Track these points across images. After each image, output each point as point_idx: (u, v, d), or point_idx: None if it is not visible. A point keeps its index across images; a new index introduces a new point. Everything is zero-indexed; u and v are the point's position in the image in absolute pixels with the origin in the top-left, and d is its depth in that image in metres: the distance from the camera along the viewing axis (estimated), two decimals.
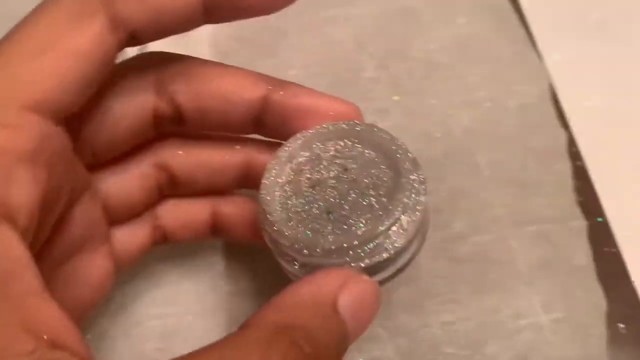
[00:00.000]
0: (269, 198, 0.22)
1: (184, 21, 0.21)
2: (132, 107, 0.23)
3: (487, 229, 0.30)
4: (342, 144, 0.24)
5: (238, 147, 0.26)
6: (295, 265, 0.22)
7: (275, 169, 0.23)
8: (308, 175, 0.23)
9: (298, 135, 0.24)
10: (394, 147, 0.23)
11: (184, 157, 0.25)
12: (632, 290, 0.29)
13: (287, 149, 0.23)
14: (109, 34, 0.20)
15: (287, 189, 0.23)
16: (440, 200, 0.31)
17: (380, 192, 0.22)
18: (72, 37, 0.19)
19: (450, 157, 0.32)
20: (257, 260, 0.30)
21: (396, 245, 0.21)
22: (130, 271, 0.29)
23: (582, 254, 0.30)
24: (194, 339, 0.29)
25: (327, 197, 0.23)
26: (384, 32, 0.37)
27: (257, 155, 0.26)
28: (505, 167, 0.32)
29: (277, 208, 0.22)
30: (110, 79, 0.22)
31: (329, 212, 0.22)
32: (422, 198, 0.22)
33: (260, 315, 0.19)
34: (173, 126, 0.24)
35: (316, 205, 0.23)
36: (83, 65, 0.19)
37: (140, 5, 0.20)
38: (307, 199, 0.23)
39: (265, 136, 0.26)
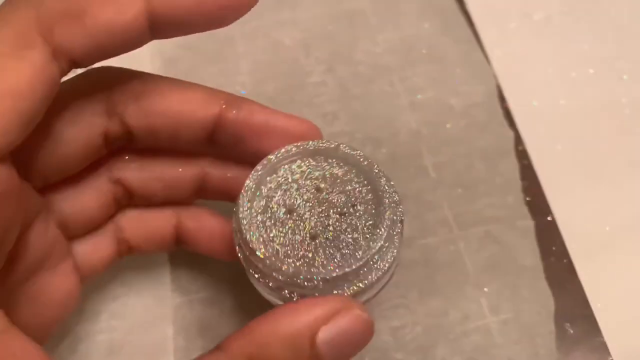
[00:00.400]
0: (250, 234, 0.22)
1: (129, 42, 0.20)
2: (81, 130, 0.22)
3: (434, 231, 0.30)
4: (307, 163, 0.23)
5: (191, 161, 0.25)
6: (293, 297, 0.21)
7: (247, 202, 0.22)
8: (281, 202, 0.23)
9: (263, 161, 0.23)
10: (362, 161, 0.23)
11: (138, 171, 0.25)
12: (580, 288, 0.29)
13: (254, 177, 0.23)
14: (50, 65, 0.19)
15: (265, 219, 0.22)
16: None
17: (359, 208, 0.22)
18: (9, 76, 0.18)
19: (397, 160, 0.32)
20: (205, 271, 0.30)
21: (389, 260, 0.21)
22: None
23: (529, 254, 0.30)
24: (142, 354, 0.28)
25: (306, 222, 0.22)
26: (330, 35, 0.37)
27: (211, 169, 0.25)
28: (452, 168, 0.32)
29: (261, 244, 0.22)
30: (57, 100, 0.21)
31: (313, 238, 0.22)
32: (401, 208, 0.22)
33: (234, 340, 0.19)
34: (123, 144, 0.24)
35: (299, 233, 0.22)
36: (24, 103, 0.18)
37: (81, 32, 0.19)
38: (287, 227, 0.22)
39: (220, 154, 0.25)
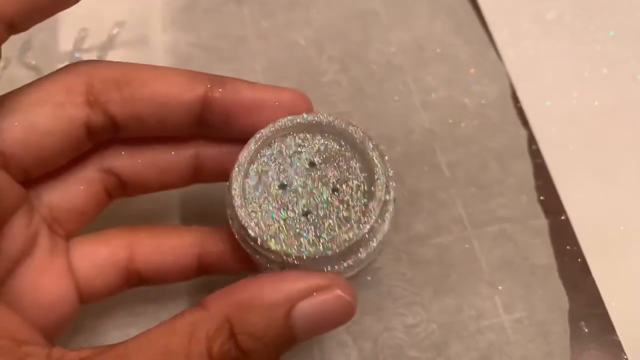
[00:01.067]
0: (241, 209, 0.22)
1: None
2: (60, 122, 0.22)
3: (448, 229, 0.30)
4: (302, 137, 0.23)
5: (184, 144, 0.25)
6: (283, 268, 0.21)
7: (240, 177, 0.22)
8: (274, 176, 0.23)
9: (256, 135, 0.23)
10: (356, 136, 0.23)
11: (129, 159, 0.25)
12: (594, 287, 0.29)
13: (246, 152, 0.23)
14: None
15: (257, 194, 0.22)
16: (401, 202, 0.31)
17: (352, 185, 0.22)
18: None
19: (410, 158, 0.32)
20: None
21: (379, 239, 0.21)
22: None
23: (543, 253, 0.30)
24: None
25: (299, 197, 0.22)
26: (343, 35, 0.37)
27: (205, 149, 0.25)
28: (466, 167, 0.32)
29: (254, 222, 0.22)
30: (35, 92, 0.21)
31: (306, 214, 0.22)
32: (393, 183, 0.22)
33: (215, 299, 0.19)
34: (110, 134, 0.24)
35: (291, 209, 0.22)
36: None
37: None
38: (279, 202, 0.22)
39: (211, 135, 0.25)
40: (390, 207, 0.22)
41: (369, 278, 0.29)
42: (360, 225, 0.21)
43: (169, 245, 0.25)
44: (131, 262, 0.24)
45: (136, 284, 0.25)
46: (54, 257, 0.23)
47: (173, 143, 0.25)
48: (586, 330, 0.28)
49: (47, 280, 0.23)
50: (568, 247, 0.30)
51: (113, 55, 0.38)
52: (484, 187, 0.31)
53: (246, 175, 0.22)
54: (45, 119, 0.22)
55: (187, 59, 0.37)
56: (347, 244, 0.21)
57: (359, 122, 0.33)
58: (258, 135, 0.23)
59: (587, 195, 0.31)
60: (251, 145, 0.23)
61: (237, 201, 0.22)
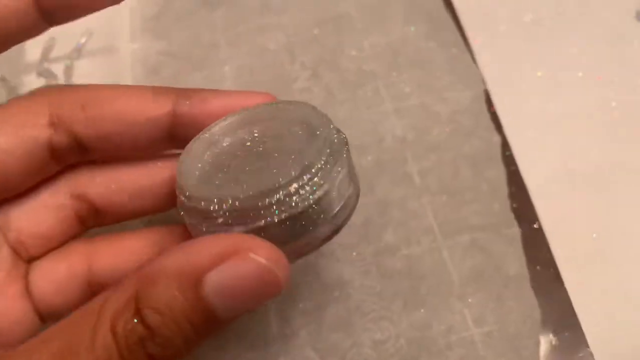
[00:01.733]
0: (185, 168, 0.21)
1: (19, 30, 0.20)
2: (20, 142, 0.22)
3: (418, 240, 0.30)
4: (266, 125, 0.23)
5: (160, 164, 0.25)
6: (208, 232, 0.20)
7: (194, 147, 0.22)
8: (229, 155, 0.22)
9: (205, 130, 0.23)
10: (317, 118, 0.22)
11: (103, 183, 0.24)
12: (567, 297, 0.28)
13: (208, 131, 0.23)
14: None
15: (207, 167, 0.22)
16: (372, 212, 0.30)
17: (296, 148, 0.21)
18: None
19: (381, 167, 0.32)
20: None
21: (318, 194, 0.19)
22: None
23: (515, 263, 0.29)
24: None
25: (245, 160, 0.22)
26: (316, 40, 0.36)
27: None
28: (437, 175, 0.31)
29: (193, 177, 0.21)
30: None
31: (246, 168, 0.21)
32: (344, 154, 0.21)
33: (130, 273, 0.18)
34: (77, 156, 0.23)
35: (225, 170, 0.21)
36: None
37: None
38: (225, 172, 0.22)
39: (183, 148, 0.24)
40: (337, 166, 0.20)
41: (337, 293, 0.29)
42: (291, 170, 0.19)
43: (126, 251, 0.24)
44: (91, 274, 0.24)
45: (99, 292, 0.25)
46: (12, 279, 0.23)
47: (147, 167, 0.24)
48: (558, 342, 0.27)
49: (1, 303, 0.23)
50: (540, 256, 0.29)
51: (81, 65, 0.37)
52: (455, 194, 0.31)
53: (202, 151, 0.22)
54: (6, 138, 0.21)
55: (157, 67, 0.36)
56: (270, 186, 0.19)
57: None
58: (222, 119, 0.23)
59: (560, 203, 0.31)
60: (199, 137, 0.23)
61: (183, 162, 0.22)
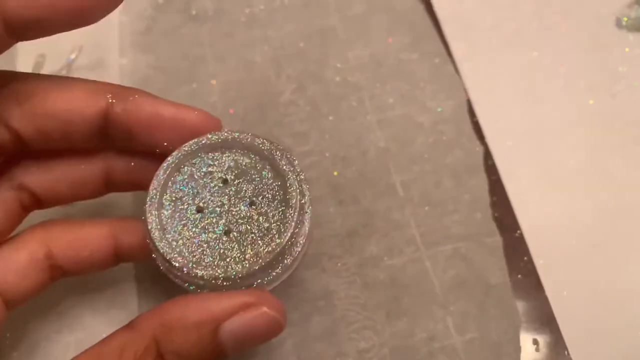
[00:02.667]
0: (163, 243, 0.22)
1: None
2: None
3: (401, 250, 0.30)
4: (211, 156, 0.23)
5: (95, 156, 0.25)
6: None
7: (154, 210, 0.22)
8: (190, 201, 0.23)
9: (163, 164, 0.23)
10: (263, 147, 0.23)
11: (41, 175, 0.25)
12: (547, 305, 0.29)
13: (157, 182, 0.23)
14: None
15: (175, 223, 0.23)
16: (355, 223, 0.31)
17: (268, 196, 0.22)
18: None
19: (365, 178, 0.32)
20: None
21: (301, 242, 0.22)
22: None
23: (497, 271, 0.30)
24: None
25: (218, 217, 0.22)
26: (301, 53, 0.37)
27: (115, 161, 0.25)
28: (420, 186, 0.32)
29: (175, 252, 0.22)
30: None
31: (227, 233, 0.22)
32: (308, 193, 0.22)
33: (144, 319, 0.20)
34: (16, 148, 0.24)
35: (212, 230, 0.22)
36: None
37: None
38: (199, 226, 0.22)
39: (116, 147, 0.25)
40: (307, 209, 0.22)
41: (322, 303, 0.29)
42: (282, 235, 0.22)
43: (83, 239, 0.25)
44: (51, 259, 0.25)
45: (59, 276, 0.26)
46: None
47: (83, 157, 0.25)
48: (539, 348, 0.28)
49: None
50: (522, 265, 0.30)
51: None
52: (437, 205, 0.31)
53: (160, 206, 0.23)
54: None
55: (145, 81, 0.37)
56: (271, 256, 0.21)
57: (315, 142, 0.33)
58: (165, 165, 0.23)
59: (541, 211, 0.31)
60: (160, 175, 0.23)
61: (156, 234, 0.22)
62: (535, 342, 0.28)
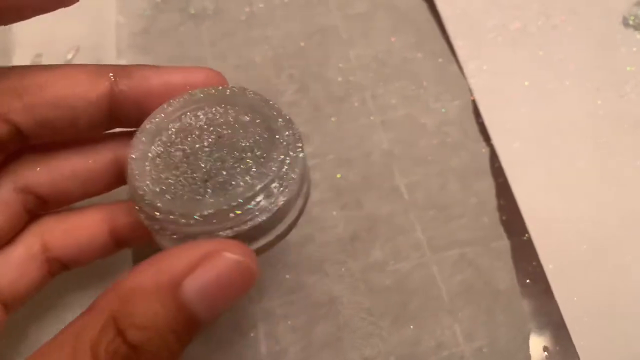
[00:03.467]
0: (137, 172, 0.21)
1: None
2: None
3: (407, 255, 0.29)
4: (213, 110, 0.23)
5: (102, 145, 0.24)
6: (174, 239, 0.20)
7: (142, 142, 0.22)
8: (180, 147, 0.22)
9: (164, 105, 0.22)
10: (267, 108, 0.22)
11: (45, 173, 0.24)
12: (557, 310, 0.28)
13: (154, 120, 0.22)
14: None
15: (159, 162, 0.22)
16: (359, 228, 0.30)
17: (257, 153, 0.21)
18: None
19: (369, 181, 0.32)
20: None
21: (278, 203, 0.21)
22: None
23: (505, 276, 0.29)
24: None
25: (202, 165, 0.21)
26: (302, 52, 0.36)
27: (124, 150, 0.24)
28: (425, 189, 0.31)
29: (148, 182, 0.21)
30: None
31: (205, 180, 0.21)
32: (300, 154, 0.21)
33: (101, 298, 0.18)
34: (17, 144, 0.23)
35: (191, 175, 0.21)
36: None
37: None
38: (180, 170, 0.21)
39: (126, 127, 0.24)
40: (293, 173, 0.21)
41: (326, 309, 0.28)
42: (255, 182, 0.20)
43: (79, 226, 0.24)
44: (47, 252, 0.24)
45: (58, 270, 0.25)
46: None
47: (89, 149, 0.24)
48: (549, 355, 0.27)
49: None
50: (530, 269, 0.29)
51: None
52: (443, 208, 0.30)
53: (151, 143, 0.22)
54: None
55: None
56: (236, 201, 0.20)
57: (318, 144, 0.33)
58: (166, 105, 0.22)
59: (550, 214, 0.30)
60: (159, 113, 0.22)
61: (133, 164, 0.21)
62: (545, 349, 0.27)
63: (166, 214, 0.20)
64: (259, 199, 0.20)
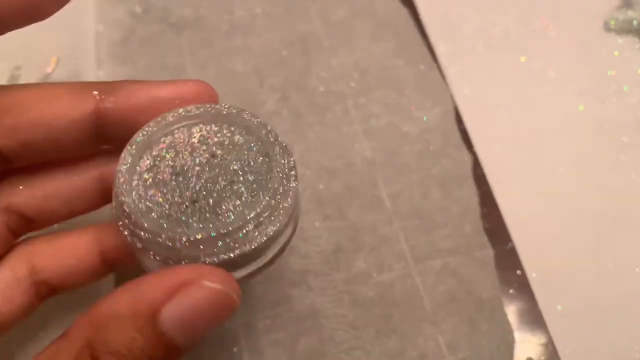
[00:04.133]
0: (124, 186, 0.20)
1: None
2: None
3: (391, 266, 0.29)
4: (208, 128, 0.22)
5: (87, 163, 0.24)
6: (157, 260, 0.20)
7: (132, 154, 0.21)
8: (170, 163, 0.21)
9: (158, 118, 0.22)
10: (263, 132, 0.22)
11: (28, 192, 0.23)
12: (541, 319, 0.28)
13: (146, 132, 0.21)
14: None
15: (147, 177, 0.21)
16: (343, 238, 0.30)
17: (250, 178, 0.21)
18: None
19: (352, 191, 0.31)
20: None
21: (268, 233, 0.20)
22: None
23: (488, 286, 0.29)
24: None
25: (192, 185, 0.21)
26: (283, 61, 0.36)
27: (110, 165, 0.23)
28: (408, 198, 0.31)
29: (135, 199, 0.20)
30: None
31: (194, 201, 0.20)
32: (293, 184, 0.21)
33: (76, 323, 0.18)
34: (2, 167, 0.22)
35: (180, 195, 0.21)
36: None
37: None
38: (169, 187, 0.21)
39: (114, 145, 0.23)
40: (285, 203, 0.20)
41: (309, 323, 0.28)
42: (246, 211, 0.20)
43: (68, 249, 0.24)
44: (35, 275, 0.23)
45: (47, 294, 0.24)
46: None
47: (73, 167, 0.23)
48: None
49: None
50: (514, 278, 0.29)
51: None
52: (426, 217, 0.30)
53: (140, 156, 0.21)
54: None
55: None
56: (225, 229, 0.19)
57: (300, 154, 0.32)
58: (160, 119, 0.22)
59: (534, 222, 0.30)
60: (151, 126, 0.21)
61: (121, 178, 0.20)
62: (529, 359, 0.27)
63: (152, 235, 0.19)
64: (248, 228, 0.20)
